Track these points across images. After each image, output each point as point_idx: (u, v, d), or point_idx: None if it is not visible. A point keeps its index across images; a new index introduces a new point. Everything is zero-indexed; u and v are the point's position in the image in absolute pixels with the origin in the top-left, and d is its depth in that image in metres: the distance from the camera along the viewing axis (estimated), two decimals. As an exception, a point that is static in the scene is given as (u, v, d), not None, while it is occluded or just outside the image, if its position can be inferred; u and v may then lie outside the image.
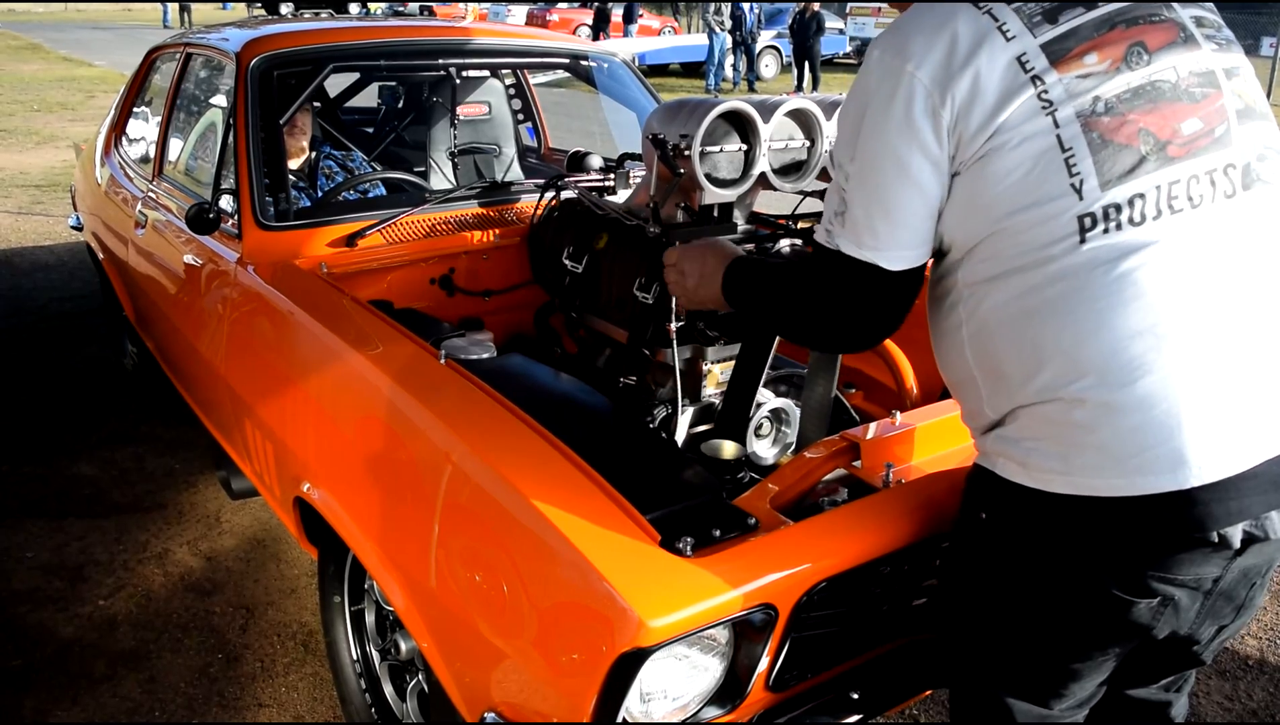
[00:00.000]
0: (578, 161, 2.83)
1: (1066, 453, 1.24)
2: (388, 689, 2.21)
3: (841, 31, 21.24)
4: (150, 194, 3.43)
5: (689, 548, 1.43)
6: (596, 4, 21.65)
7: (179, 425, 3.92)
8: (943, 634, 1.58)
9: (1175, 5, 1.31)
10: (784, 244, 2.18)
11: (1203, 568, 1.25)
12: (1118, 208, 1.21)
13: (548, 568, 1.47)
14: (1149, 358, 1.19)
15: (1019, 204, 1.22)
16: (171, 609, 2.86)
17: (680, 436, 2.27)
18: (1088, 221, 1.21)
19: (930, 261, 1.38)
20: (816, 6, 17.55)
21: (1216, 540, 1.22)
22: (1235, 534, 1.23)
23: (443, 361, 1.95)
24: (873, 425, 1.81)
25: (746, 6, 18.54)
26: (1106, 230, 1.20)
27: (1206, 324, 1.22)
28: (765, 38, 19.57)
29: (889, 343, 2.45)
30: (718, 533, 1.49)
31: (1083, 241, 1.21)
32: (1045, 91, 1.21)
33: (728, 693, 1.53)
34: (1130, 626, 1.29)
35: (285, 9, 3.95)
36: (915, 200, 1.28)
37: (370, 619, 2.23)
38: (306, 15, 3.90)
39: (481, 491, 1.63)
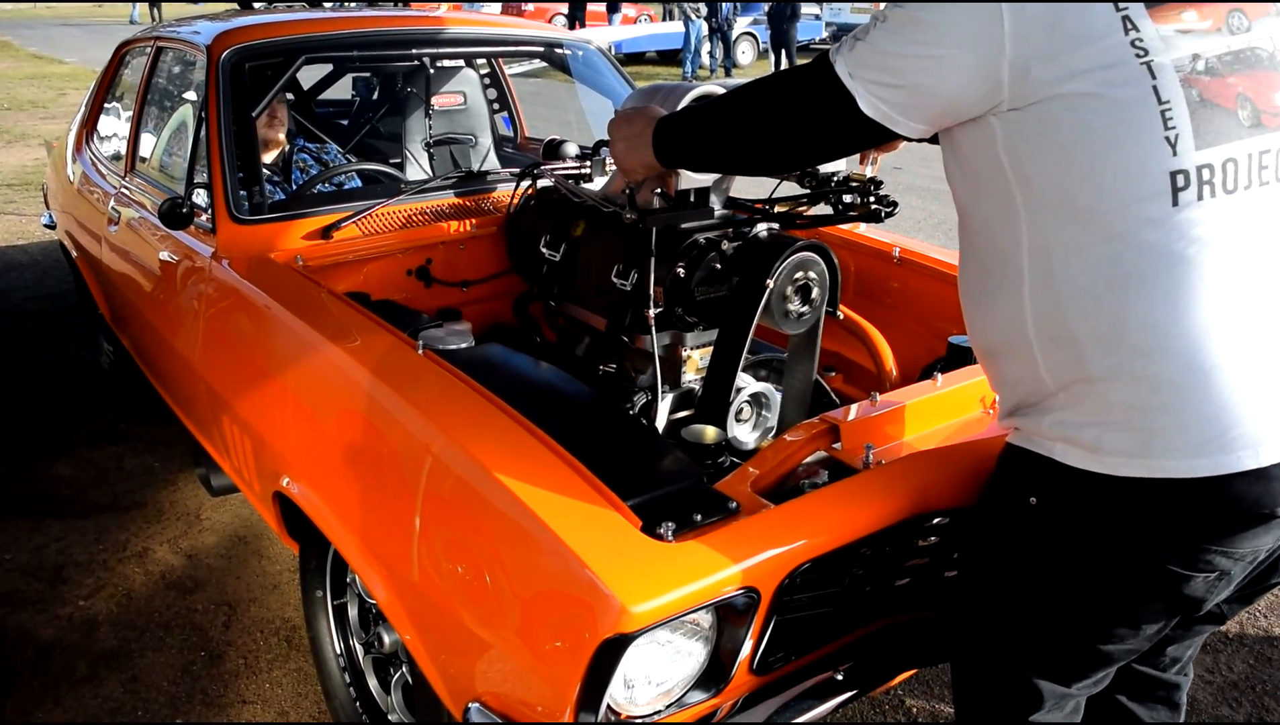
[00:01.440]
0: (553, 150, 2.81)
1: (1144, 437, 1.22)
2: (372, 682, 2.20)
3: (818, 17, 21.19)
4: (123, 190, 3.39)
5: (670, 533, 1.43)
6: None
7: (157, 423, 3.89)
8: (961, 613, 1.58)
9: None
10: (760, 228, 2.18)
11: (1260, 539, 1.26)
12: (1210, 170, 1.18)
13: (530, 556, 1.47)
14: (1237, 337, 1.19)
15: (1106, 146, 1.18)
16: (153, 608, 2.84)
17: (661, 423, 2.27)
18: (1180, 180, 1.17)
19: (974, 208, 1.36)
20: (792, -11, 17.52)
21: None
22: None
23: (421, 352, 1.94)
24: (852, 407, 1.81)
25: (722, -6, 18.51)
26: (1200, 195, 1.18)
27: None
28: (741, 24, 19.54)
29: (868, 325, 2.45)
30: (699, 517, 1.48)
31: (1175, 204, 1.17)
32: (1140, 39, 1.18)
33: (712, 677, 1.53)
34: (1184, 601, 1.30)
35: (258, 4, 3.92)
36: (927, 76, 1.25)
37: (353, 612, 2.22)
38: (280, 7, 3.87)
39: (462, 482, 1.62)
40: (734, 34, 19.05)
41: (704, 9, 18.28)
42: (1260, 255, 1.21)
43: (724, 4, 18.34)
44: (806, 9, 19.42)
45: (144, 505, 3.40)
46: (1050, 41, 1.18)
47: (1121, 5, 1.19)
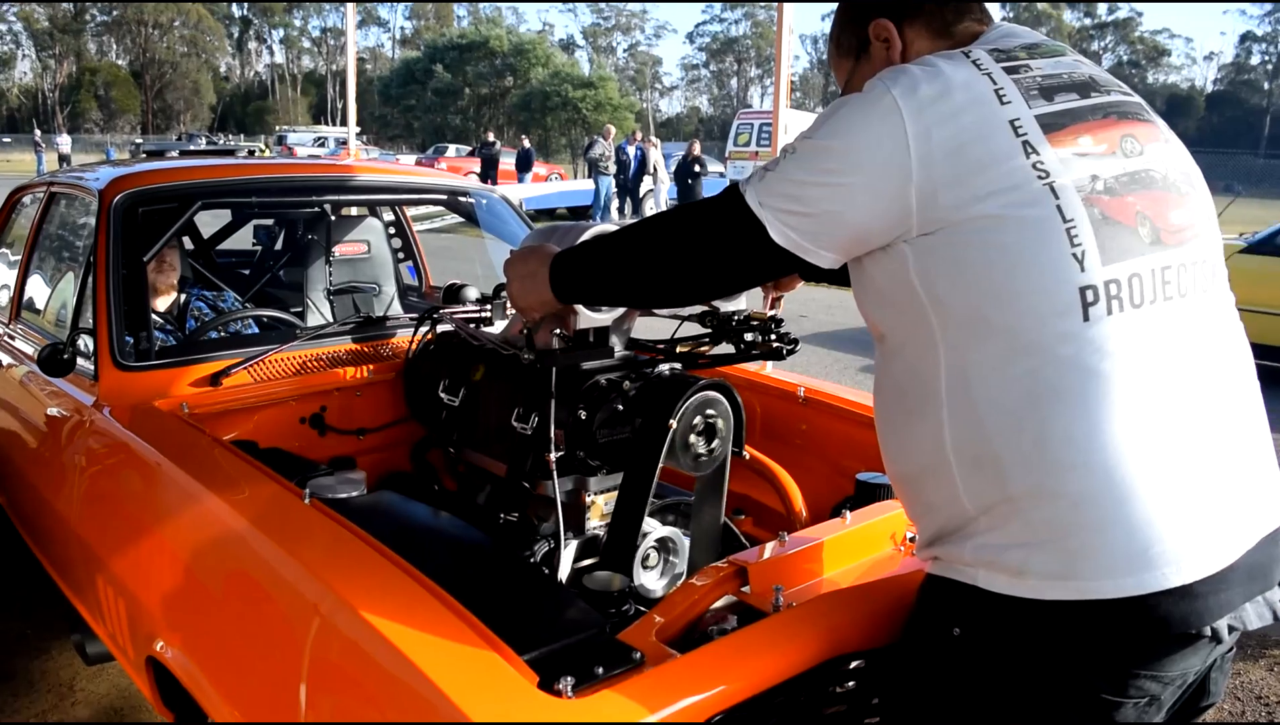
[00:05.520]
0: (454, 294, 2.78)
1: (1068, 557, 1.20)
2: None
3: (722, 175, 21.94)
4: (6, 337, 3.26)
5: (570, 688, 1.33)
6: (483, 151, 22.14)
7: (33, 588, 3.65)
8: None
9: (1151, 111, 1.37)
10: (663, 368, 2.15)
11: (1189, 660, 1.24)
12: (1118, 285, 1.21)
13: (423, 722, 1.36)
14: (1154, 450, 1.20)
15: (1016, 265, 1.21)
16: (13, 791, 2.59)
17: (564, 571, 2.18)
18: (1089, 295, 1.20)
19: (888, 334, 1.35)
20: (698, 149, 18.21)
21: (1209, 634, 1.21)
22: (1223, 626, 1.22)
23: (308, 502, 1.84)
24: (761, 548, 1.75)
25: (632, 151, 19.11)
26: (1110, 310, 1.20)
27: (1201, 418, 1.24)
28: (649, 181, 20.12)
29: (775, 466, 2.42)
30: (600, 670, 1.39)
31: (1086, 319, 1.19)
32: (1040, 161, 1.22)
33: (618, 846, 1.42)
34: None
35: (172, 154, 3.88)
36: (837, 205, 1.27)
37: (233, 789, 2.04)
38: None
39: (352, 644, 1.50)
40: (641, 190, 19.59)
41: (613, 166, 18.86)
42: (1171, 368, 1.23)
43: (633, 161, 18.95)
44: (713, 167, 20.13)
45: (13, 676, 3.15)
46: (955, 167, 1.21)
47: (1020, 131, 1.23)
